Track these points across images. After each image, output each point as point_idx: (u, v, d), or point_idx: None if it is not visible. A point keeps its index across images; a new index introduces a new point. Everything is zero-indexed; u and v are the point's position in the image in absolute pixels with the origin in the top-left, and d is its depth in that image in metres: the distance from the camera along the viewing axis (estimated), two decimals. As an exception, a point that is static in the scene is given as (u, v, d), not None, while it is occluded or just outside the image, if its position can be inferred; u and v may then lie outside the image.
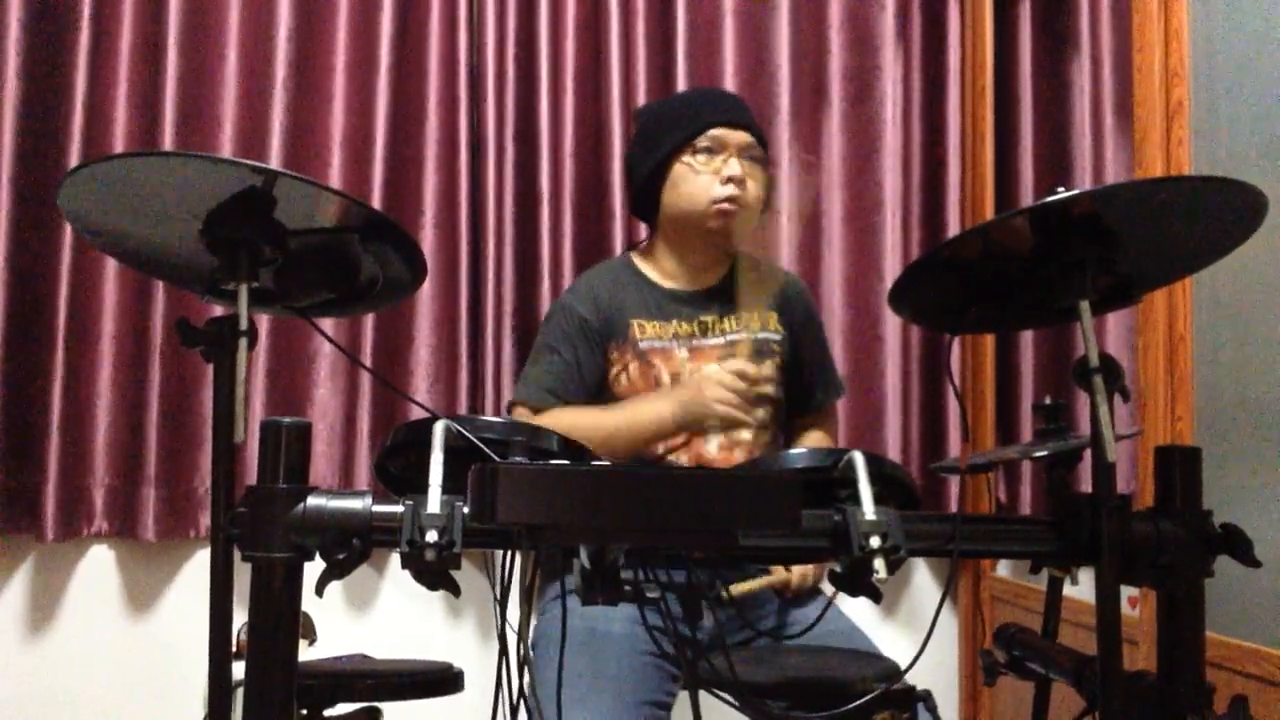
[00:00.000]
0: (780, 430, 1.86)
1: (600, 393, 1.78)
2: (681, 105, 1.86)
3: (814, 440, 1.89)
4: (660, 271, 1.84)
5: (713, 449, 1.74)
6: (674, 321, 1.78)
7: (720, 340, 1.78)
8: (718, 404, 1.61)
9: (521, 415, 1.76)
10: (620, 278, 1.83)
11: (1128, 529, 1.06)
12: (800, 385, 1.88)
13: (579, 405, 1.75)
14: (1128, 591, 1.29)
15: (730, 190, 1.73)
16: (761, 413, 1.78)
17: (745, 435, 1.76)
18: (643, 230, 2.26)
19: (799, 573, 1.72)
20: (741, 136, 1.76)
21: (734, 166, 1.74)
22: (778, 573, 1.71)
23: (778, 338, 1.83)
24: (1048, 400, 1.37)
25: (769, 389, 1.79)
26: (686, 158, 1.75)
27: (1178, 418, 1.66)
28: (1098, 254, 1.04)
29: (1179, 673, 1.07)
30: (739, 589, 1.69)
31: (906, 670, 1.16)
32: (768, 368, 1.79)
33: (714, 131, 1.75)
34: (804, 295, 1.93)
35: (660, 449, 1.73)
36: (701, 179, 1.74)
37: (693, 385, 1.67)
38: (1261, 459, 1.56)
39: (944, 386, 2.41)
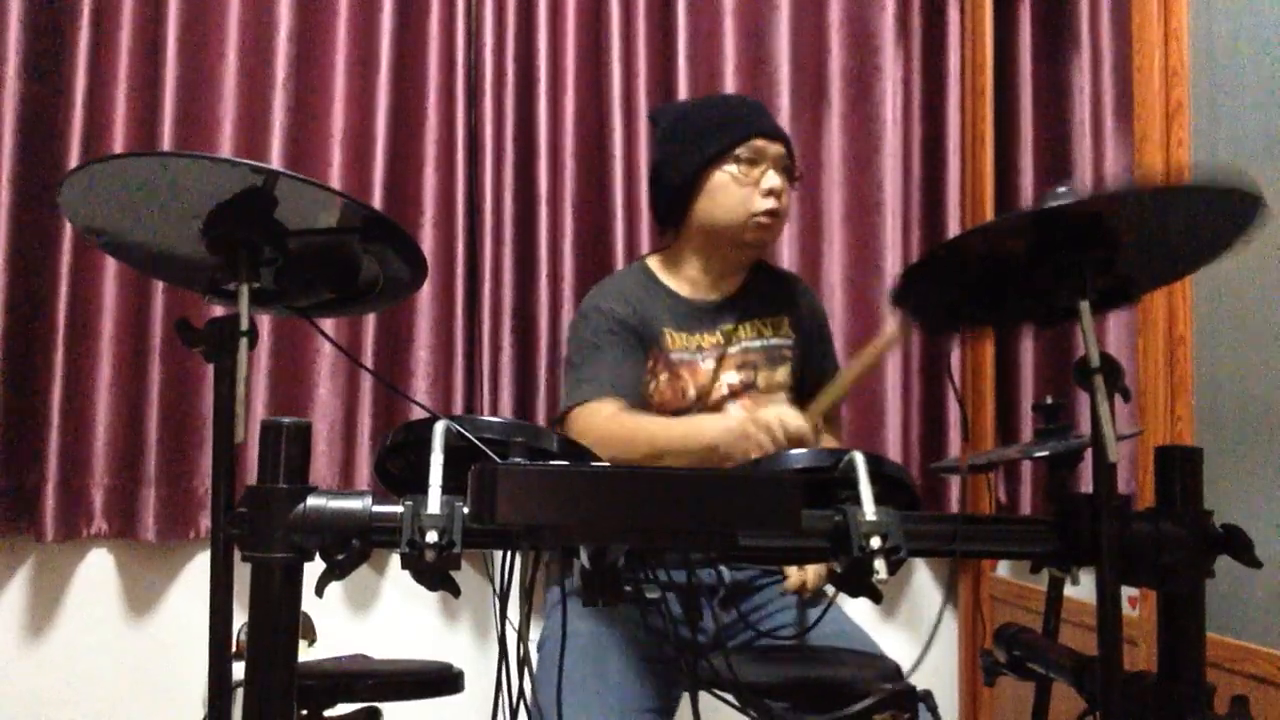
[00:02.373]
0: None
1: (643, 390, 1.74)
2: (718, 112, 1.80)
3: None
4: (681, 280, 1.81)
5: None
6: (698, 334, 1.77)
7: (737, 347, 1.78)
8: (760, 450, 1.53)
9: (585, 418, 1.66)
10: (644, 286, 1.80)
11: (1128, 529, 1.06)
12: (807, 391, 1.87)
13: (632, 403, 1.69)
14: (1128, 591, 1.29)
15: (771, 204, 1.71)
16: None
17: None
18: (644, 232, 2.28)
19: (814, 571, 1.72)
20: (777, 148, 1.74)
21: (773, 179, 1.71)
22: (790, 573, 1.71)
23: (790, 343, 1.82)
24: (1048, 400, 1.37)
25: (783, 395, 1.79)
26: (727, 166, 1.72)
27: (1178, 418, 1.66)
28: (1097, 255, 1.04)
29: (1179, 673, 1.07)
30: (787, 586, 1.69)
31: (909, 672, 1.16)
32: (781, 373, 1.79)
33: (755, 142, 1.72)
34: (815, 302, 1.93)
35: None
36: (742, 190, 1.71)
37: (744, 428, 1.60)
38: (1261, 459, 1.56)
39: (944, 386, 2.41)
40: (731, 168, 1.72)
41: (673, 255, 1.84)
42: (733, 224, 1.73)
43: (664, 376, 1.74)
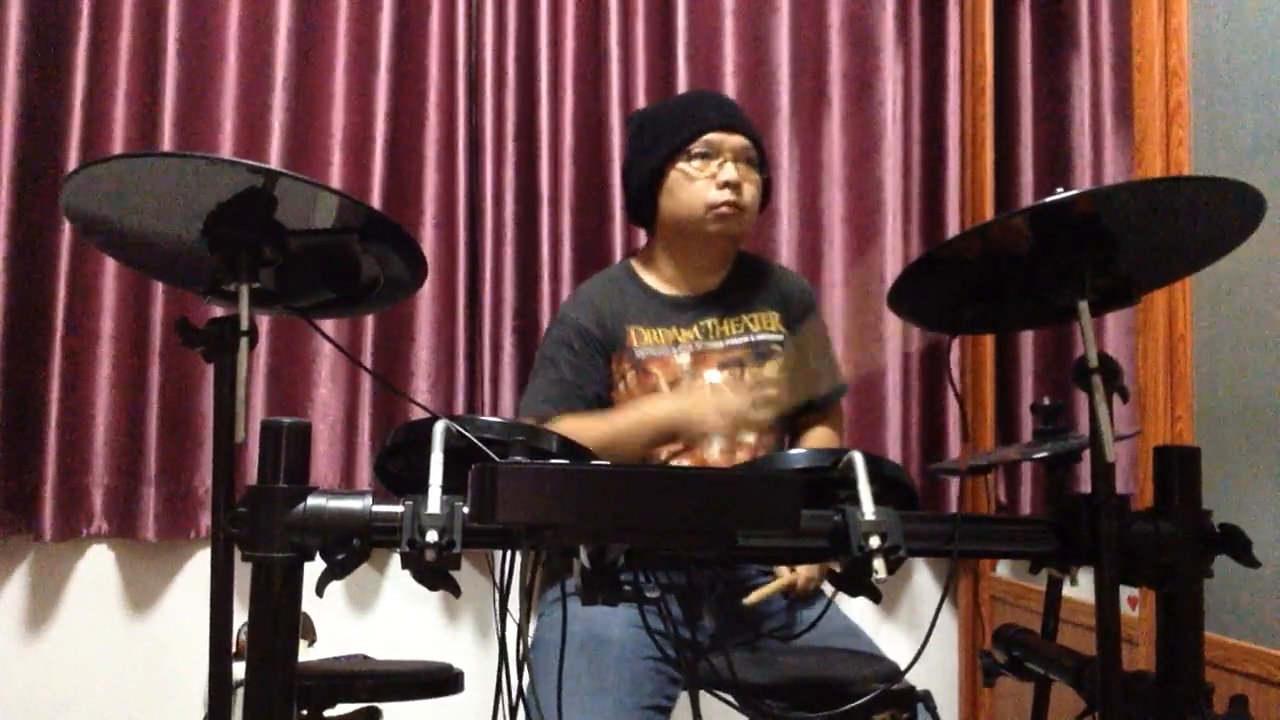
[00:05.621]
0: (784, 430, 1.85)
1: (605, 403, 1.77)
2: (674, 110, 1.84)
3: (819, 438, 1.88)
4: (660, 277, 1.83)
5: (715, 453, 1.74)
6: (674, 328, 1.78)
7: (721, 344, 1.78)
8: (712, 427, 1.62)
9: None
10: (620, 286, 1.82)
11: (1127, 529, 1.06)
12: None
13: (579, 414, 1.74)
14: (1127, 591, 1.29)
15: (727, 195, 1.72)
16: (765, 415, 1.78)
17: (748, 438, 1.76)
18: (642, 232, 2.27)
19: (804, 575, 1.72)
20: (737, 140, 1.75)
21: (730, 171, 1.73)
22: (782, 574, 1.72)
23: (780, 338, 1.82)
24: (1047, 401, 1.37)
25: (773, 391, 1.79)
26: (682, 163, 1.74)
27: (1177, 418, 1.66)
28: (1096, 254, 1.04)
29: (1179, 673, 1.07)
30: (753, 599, 1.69)
31: (906, 670, 1.16)
32: (770, 369, 1.79)
33: (709, 136, 1.73)
34: (805, 292, 1.93)
35: (663, 454, 1.73)
36: (698, 184, 1.73)
37: (697, 397, 1.65)
38: (1261, 459, 1.56)
39: (943, 387, 2.41)
40: (686, 164, 1.74)
41: (651, 253, 1.86)
42: (692, 218, 1.74)
43: (631, 376, 1.75)
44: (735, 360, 1.77)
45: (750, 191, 1.76)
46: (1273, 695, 1.44)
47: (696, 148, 1.73)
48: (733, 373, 1.76)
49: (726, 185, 1.72)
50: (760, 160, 1.80)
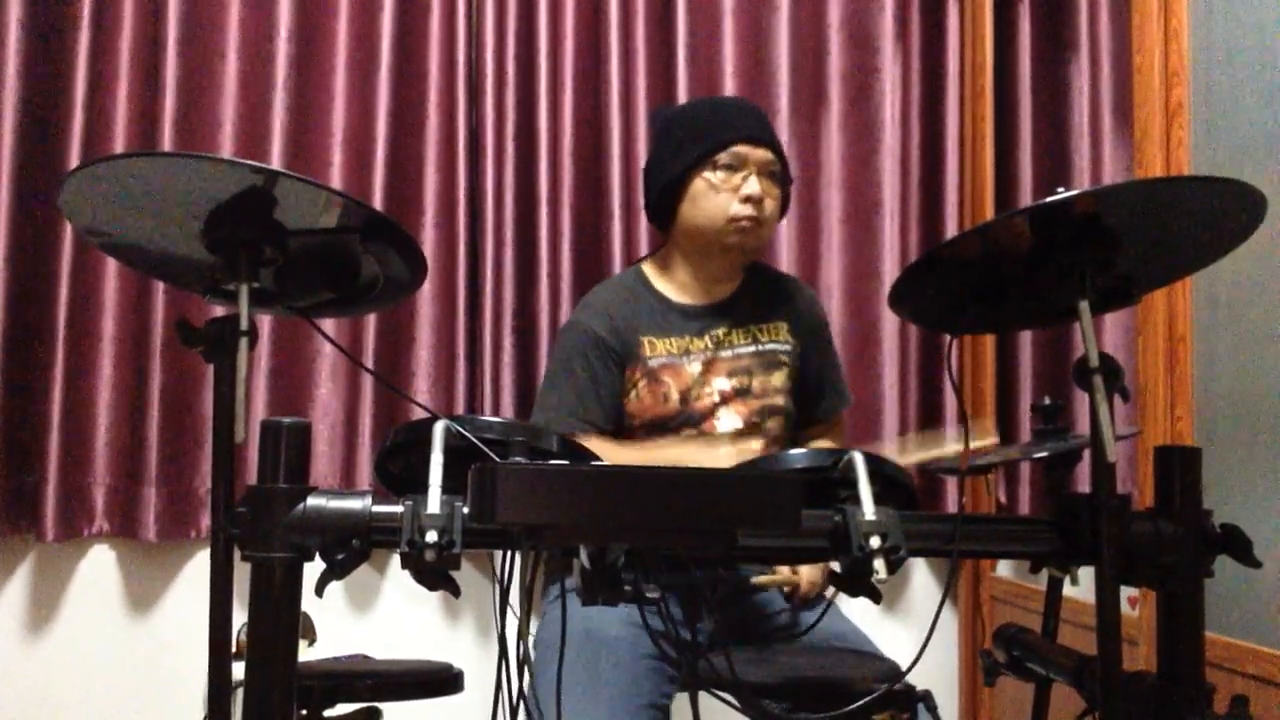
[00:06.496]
0: (790, 440, 1.86)
1: (617, 412, 1.77)
2: (704, 116, 1.81)
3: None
4: (673, 284, 1.83)
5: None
6: (686, 337, 1.78)
7: (730, 353, 1.78)
8: None
9: None
10: (632, 293, 1.82)
11: (1128, 529, 1.06)
12: (808, 394, 1.88)
13: (600, 430, 1.73)
14: (1128, 591, 1.29)
15: (749, 210, 1.72)
16: (773, 424, 1.78)
17: (755, 447, 1.76)
18: (642, 232, 2.28)
19: (808, 580, 1.72)
20: (762, 154, 1.74)
21: (753, 185, 1.72)
22: (783, 573, 1.72)
23: (788, 348, 1.83)
24: (1047, 401, 1.37)
25: (780, 400, 1.80)
26: (706, 173, 1.73)
27: (1177, 418, 1.66)
28: (1097, 254, 1.04)
29: (1179, 673, 1.07)
30: (760, 580, 1.70)
31: (907, 671, 1.16)
32: (778, 378, 1.80)
33: (736, 148, 1.72)
34: (814, 304, 1.93)
35: None
36: (721, 196, 1.72)
37: (721, 454, 1.62)
38: (1261, 459, 1.56)
39: (943, 386, 2.41)
40: (711, 174, 1.73)
41: (666, 258, 1.85)
42: (711, 228, 1.74)
43: (643, 384, 1.75)
44: (743, 369, 1.78)
45: (771, 206, 1.76)
46: (1273, 695, 1.44)
47: (723, 158, 1.72)
48: (740, 381, 1.77)
49: (749, 200, 1.72)
50: (783, 175, 1.79)
